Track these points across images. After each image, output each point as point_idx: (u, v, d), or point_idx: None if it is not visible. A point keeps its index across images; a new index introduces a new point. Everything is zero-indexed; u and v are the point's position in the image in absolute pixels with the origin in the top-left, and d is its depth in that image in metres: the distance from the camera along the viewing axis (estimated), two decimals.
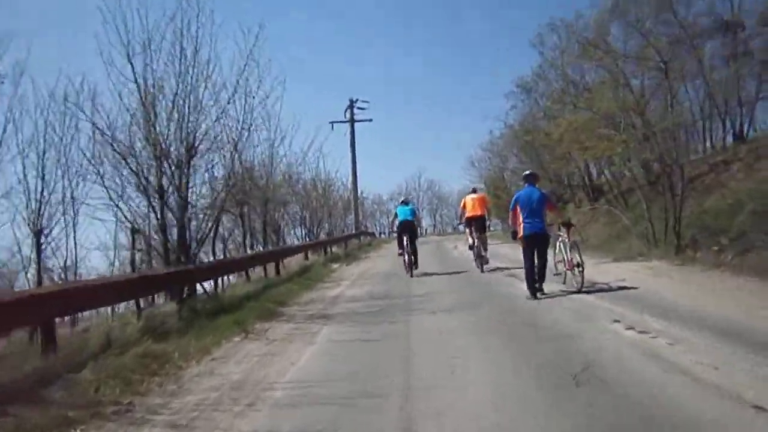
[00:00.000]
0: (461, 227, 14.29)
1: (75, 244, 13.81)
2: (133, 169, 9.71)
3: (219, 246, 13.67)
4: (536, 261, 8.72)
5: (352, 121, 41.59)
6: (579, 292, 8.57)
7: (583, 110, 18.89)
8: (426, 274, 13.39)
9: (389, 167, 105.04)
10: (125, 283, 7.86)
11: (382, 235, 53.31)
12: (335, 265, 18.63)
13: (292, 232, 28.33)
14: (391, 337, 6.57)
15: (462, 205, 13.76)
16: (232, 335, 7.37)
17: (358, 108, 41.67)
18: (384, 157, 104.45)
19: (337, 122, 41.20)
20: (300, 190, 26.93)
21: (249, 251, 17.50)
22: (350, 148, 41.14)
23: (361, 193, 51.92)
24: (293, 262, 19.01)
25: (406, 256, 13.11)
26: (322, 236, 28.72)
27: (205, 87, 10.25)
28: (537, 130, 27.26)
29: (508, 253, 17.70)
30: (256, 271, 15.77)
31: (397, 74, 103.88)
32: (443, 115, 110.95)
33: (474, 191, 14.38)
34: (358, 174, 41.05)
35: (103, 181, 9.42)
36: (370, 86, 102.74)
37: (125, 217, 9.54)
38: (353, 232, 36.60)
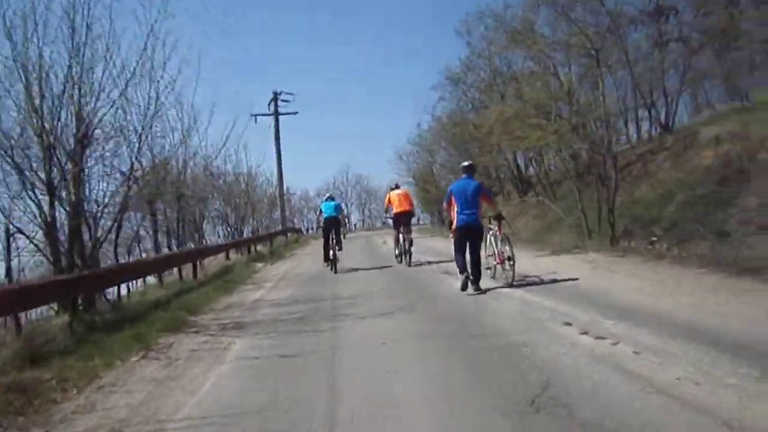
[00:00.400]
0: (390, 221, 14.14)
1: None
2: (14, 160, 8.33)
3: (127, 249, 12.17)
4: (469, 255, 8.38)
5: (277, 114, 40.15)
6: (510, 286, 8.31)
7: (513, 100, 18.71)
8: (354, 270, 13.10)
9: (316, 163, 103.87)
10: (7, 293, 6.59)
11: (310, 231, 52.14)
12: (259, 265, 17.50)
13: (215, 230, 26.85)
14: (315, 351, 5.64)
15: (387, 200, 13.73)
16: (130, 354, 6.25)
17: (283, 101, 40.34)
18: (311, 153, 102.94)
19: (261, 115, 39.80)
20: (221, 185, 25.48)
21: (164, 252, 16.08)
22: (275, 141, 39.74)
23: (288, 189, 50.70)
24: (214, 262, 17.77)
25: (331, 251, 13.12)
26: (246, 234, 27.37)
27: (104, 69, 8.97)
28: (465, 122, 27.06)
29: (436, 246, 17.64)
30: (175, 273, 14.49)
31: (324, 65, 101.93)
32: (372, 107, 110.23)
33: (397, 187, 14.33)
34: (283, 169, 39.78)
35: None
36: (295, 78, 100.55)
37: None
38: (279, 228, 35.33)
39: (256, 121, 39.49)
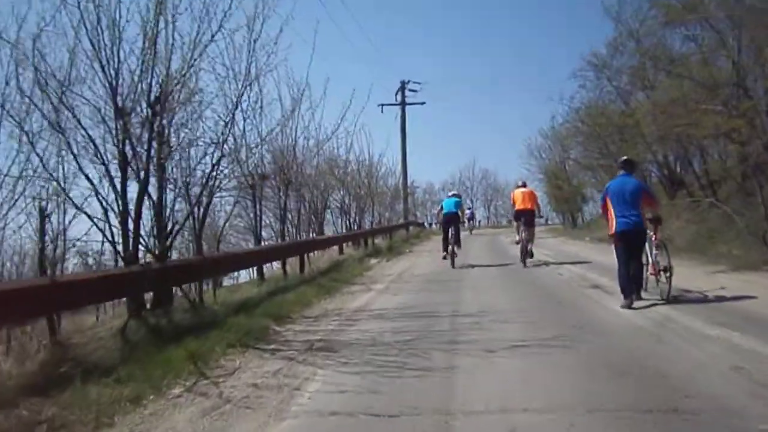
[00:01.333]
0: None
1: None
2: (87, 134, 6.96)
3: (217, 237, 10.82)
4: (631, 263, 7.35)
5: (404, 104, 38.68)
6: (668, 302, 7.15)
7: (675, 82, 15.63)
8: (475, 268, 13.06)
9: (441, 156, 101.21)
10: (36, 290, 5.24)
11: (433, 226, 50.36)
12: (373, 261, 15.88)
13: (334, 221, 25.69)
14: (420, 413, 3.68)
15: (513, 198, 13.77)
16: (174, 382, 4.66)
17: (410, 90, 38.76)
18: (436, 145, 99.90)
19: (387, 105, 38.55)
20: (341, 173, 24.25)
21: (270, 242, 14.89)
22: (400, 132, 38.30)
23: (413, 182, 49.20)
24: (324, 257, 16.38)
25: (450, 247, 13.43)
26: (366, 226, 26.08)
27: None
28: (608, 112, 23.98)
29: (570, 250, 16.51)
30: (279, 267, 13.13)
31: (450, 54, 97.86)
32: (501, 99, 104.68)
33: (524, 185, 14.27)
34: (408, 161, 38.21)
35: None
36: (421, 68, 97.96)
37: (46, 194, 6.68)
38: (401, 222, 33.81)
39: (382, 111, 38.42)
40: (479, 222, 56.83)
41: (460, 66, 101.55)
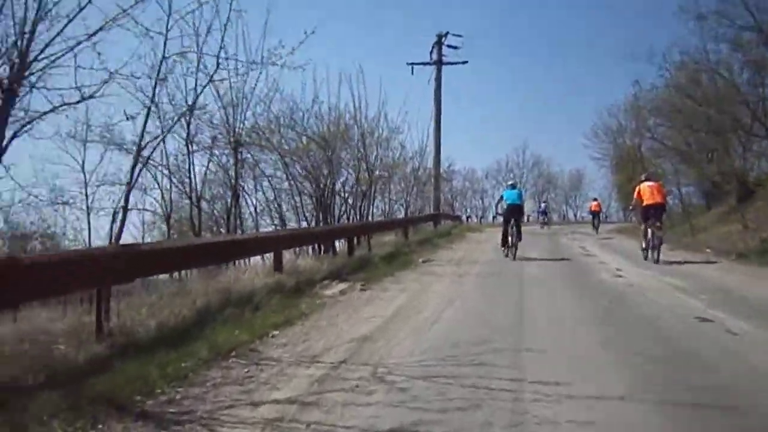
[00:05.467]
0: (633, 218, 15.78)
1: None
2: None
3: None
4: None
5: (440, 62, 30.40)
6: None
7: None
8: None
9: (486, 138, 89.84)
10: None
11: (471, 220, 41.94)
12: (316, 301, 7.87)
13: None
14: None
15: (637, 192, 12.67)
16: None
17: (449, 46, 30.42)
18: (479, 124, 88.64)
19: (419, 64, 30.42)
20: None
21: None
22: (434, 101, 30.00)
23: (449, 165, 40.94)
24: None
25: (510, 239, 12.79)
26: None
27: None
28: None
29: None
30: None
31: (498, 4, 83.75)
32: (557, 77, 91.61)
33: (648, 179, 13.02)
34: (442, 139, 30.01)
35: None
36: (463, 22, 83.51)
37: None
38: (424, 214, 25.86)
39: (413, 72, 30.51)
40: (528, 217, 48.04)
41: (511, 19, 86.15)
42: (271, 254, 9.27)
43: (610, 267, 11.14)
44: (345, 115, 16.20)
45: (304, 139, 15.69)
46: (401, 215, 23.29)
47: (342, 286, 8.60)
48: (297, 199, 16.45)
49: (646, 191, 12.28)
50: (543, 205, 37.79)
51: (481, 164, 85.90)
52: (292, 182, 15.95)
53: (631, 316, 6.28)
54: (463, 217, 40.66)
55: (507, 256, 12.65)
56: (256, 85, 13.05)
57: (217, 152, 13.61)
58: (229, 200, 13.96)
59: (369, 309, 7.00)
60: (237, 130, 13.13)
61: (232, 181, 13.39)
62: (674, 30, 34.08)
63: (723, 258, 12.05)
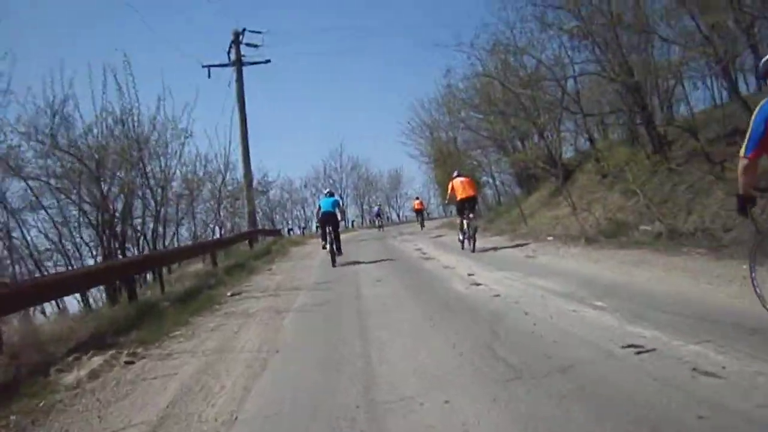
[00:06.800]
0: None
1: None
2: None
3: None
4: None
5: (239, 63, 27.55)
6: None
7: None
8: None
9: (302, 145, 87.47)
10: None
11: (294, 232, 39.44)
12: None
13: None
14: None
15: (450, 188, 13.50)
16: None
17: (248, 45, 27.67)
18: (294, 133, 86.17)
19: (215, 66, 27.30)
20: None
21: None
22: (237, 105, 27.09)
23: (264, 176, 38.11)
24: None
25: (328, 246, 12.98)
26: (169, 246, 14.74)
27: None
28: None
29: None
30: None
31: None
32: (368, 73, 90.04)
33: (459, 175, 13.85)
34: (253, 148, 27.28)
35: None
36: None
37: None
38: (238, 233, 22.92)
39: (209, 75, 27.32)
40: (352, 222, 46.67)
41: (312, 13, 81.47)
42: None
43: (460, 272, 9.33)
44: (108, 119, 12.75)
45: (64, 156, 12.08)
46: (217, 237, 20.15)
47: (98, 359, 5.63)
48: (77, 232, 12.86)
49: (459, 186, 13.06)
50: (377, 208, 40.69)
51: (300, 173, 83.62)
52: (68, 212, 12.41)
53: (537, 356, 4.24)
54: (285, 231, 38.01)
55: (335, 266, 12.45)
56: None
57: None
58: None
59: (126, 406, 4.23)
60: None
61: None
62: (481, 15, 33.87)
63: (571, 245, 10.92)
